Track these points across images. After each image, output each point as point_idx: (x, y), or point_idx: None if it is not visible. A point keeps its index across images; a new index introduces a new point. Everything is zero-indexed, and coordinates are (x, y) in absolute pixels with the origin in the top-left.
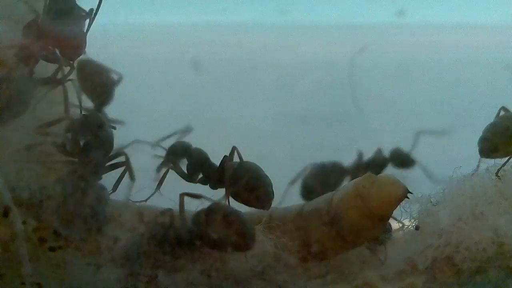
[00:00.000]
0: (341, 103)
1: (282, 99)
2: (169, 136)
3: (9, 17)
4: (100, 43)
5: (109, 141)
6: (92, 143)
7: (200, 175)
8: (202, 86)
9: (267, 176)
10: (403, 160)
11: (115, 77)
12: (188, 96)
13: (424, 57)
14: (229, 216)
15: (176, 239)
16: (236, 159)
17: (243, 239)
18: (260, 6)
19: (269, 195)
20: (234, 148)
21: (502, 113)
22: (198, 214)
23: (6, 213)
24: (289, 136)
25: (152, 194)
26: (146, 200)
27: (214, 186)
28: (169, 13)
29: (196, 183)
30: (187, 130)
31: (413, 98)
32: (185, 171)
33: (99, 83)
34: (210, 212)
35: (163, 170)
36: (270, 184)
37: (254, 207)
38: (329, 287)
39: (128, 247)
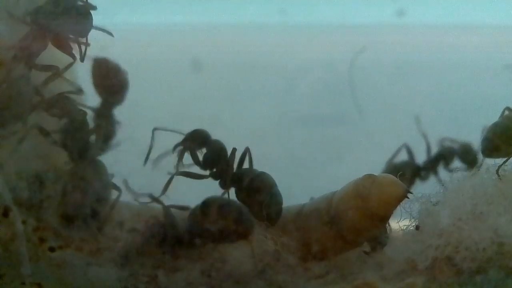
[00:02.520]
0: (341, 103)
1: (282, 99)
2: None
3: (9, 17)
4: (100, 43)
5: (85, 122)
6: (69, 126)
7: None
8: (202, 86)
9: (279, 193)
10: None
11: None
12: (188, 96)
13: (424, 57)
14: (225, 207)
15: (175, 238)
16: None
17: (241, 226)
18: (260, 6)
19: (278, 214)
20: (247, 149)
21: (506, 113)
22: (194, 210)
23: (6, 213)
24: (289, 136)
25: (160, 196)
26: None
27: (224, 186)
28: (169, 13)
29: (208, 177)
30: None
31: (413, 98)
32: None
33: (113, 82)
34: (205, 205)
35: (179, 153)
36: (281, 203)
37: (261, 221)
38: (329, 287)
39: (126, 247)
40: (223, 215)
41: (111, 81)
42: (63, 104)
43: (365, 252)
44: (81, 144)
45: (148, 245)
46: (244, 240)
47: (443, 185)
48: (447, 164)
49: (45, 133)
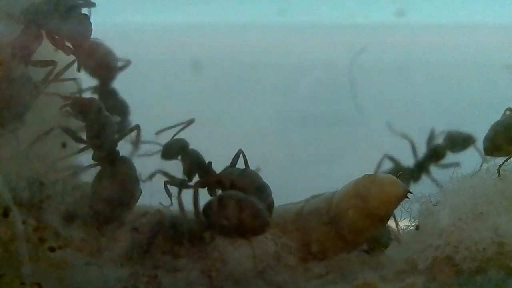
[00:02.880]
0: (341, 103)
1: (282, 99)
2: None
3: (9, 16)
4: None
5: (112, 124)
6: (98, 127)
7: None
8: (202, 86)
9: (266, 185)
10: None
11: (120, 61)
12: (188, 96)
13: (424, 57)
14: (242, 201)
15: (189, 231)
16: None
17: (258, 221)
18: (260, 6)
19: (271, 205)
20: (240, 151)
21: (508, 113)
22: (209, 204)
23: (6, 213)
24: (289, 136)
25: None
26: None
27: (210, 192)
28: (169, 13)
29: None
30: (190, 122)
31: (413, 98)
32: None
33: (103, 60)
34: (222, 199)
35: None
36: (270, 194)
37: None
38: (329, 287)
39: (138, 242)
40: (241, 209)
41: (99, 58)
42: (91, 108)
43: (366, 252)
44: (110, 146)
45: (160, 240)
46: (260, 235)
47: (439, 185)
48: (437, 160)
49: (70, 132)
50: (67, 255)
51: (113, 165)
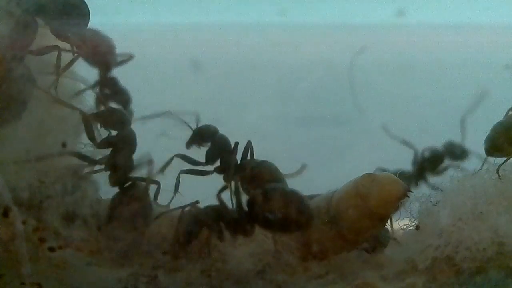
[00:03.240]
0: (341, 104)
1: (282, 99)
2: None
3: (10, 16)
4: None
5: (134, 139)
6: (117, 141)
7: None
8: (202, 86)
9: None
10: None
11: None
12: (188, 96)
13: (424, 57)
14: (288, 195)
15: (231, 220)
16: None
17: (303, 216)
18: (260, 6)
19: None
20: (249, 143)
21: (510, 113)
22: (254, 196)
23: (6, 213)
24: (289, 136)
25: (173, 197)
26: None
27: (227, 179)
28: (169, 13)
29: (212, 172)
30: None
31: (413, 98)
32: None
33: (100, 47)
34: (267, 191)
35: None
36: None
37: None
38: (329, 287)
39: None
40: (286, 202)
41: (96, 45)
42: (116, 117)
43: (366, 251)
44: (128, 161)
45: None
46: (304, 229)
47: (438, 189)
48: (434, 168)
49: (83, 157)
50: (67, 255)
51: (127, 191)
